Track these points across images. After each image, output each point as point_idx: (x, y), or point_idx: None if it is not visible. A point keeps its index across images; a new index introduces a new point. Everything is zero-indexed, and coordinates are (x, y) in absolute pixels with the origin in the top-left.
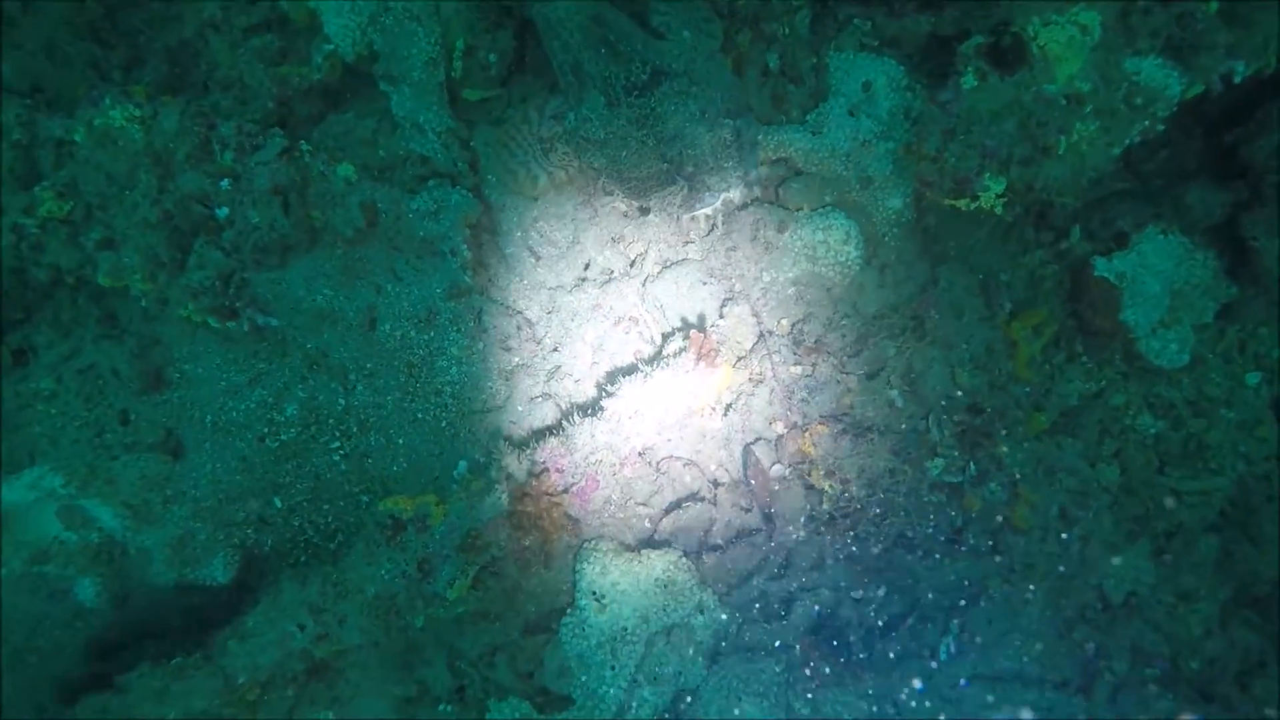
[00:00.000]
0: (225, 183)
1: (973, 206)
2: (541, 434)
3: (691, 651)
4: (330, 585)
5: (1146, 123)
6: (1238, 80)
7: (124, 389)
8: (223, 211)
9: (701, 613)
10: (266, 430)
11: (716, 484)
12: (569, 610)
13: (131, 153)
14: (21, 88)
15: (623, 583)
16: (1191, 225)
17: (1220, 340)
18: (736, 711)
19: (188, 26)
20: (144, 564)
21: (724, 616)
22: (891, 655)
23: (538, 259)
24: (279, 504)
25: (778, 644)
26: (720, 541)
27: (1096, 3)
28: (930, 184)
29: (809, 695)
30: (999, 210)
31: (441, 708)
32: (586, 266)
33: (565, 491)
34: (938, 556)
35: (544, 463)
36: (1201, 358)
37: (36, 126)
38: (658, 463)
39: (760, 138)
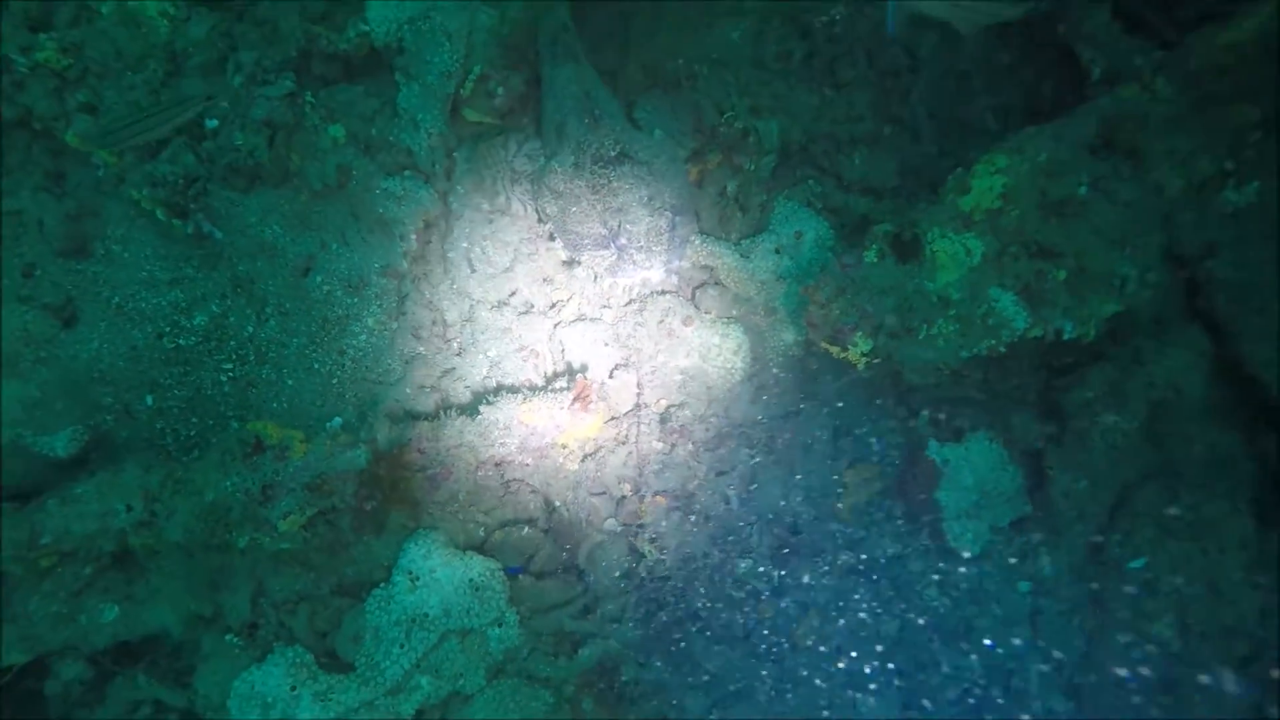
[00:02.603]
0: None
1: (842, 356)
2: (417, 417)
3: (478, 660)
4: (172, 480)
5: (993, 342)
6: (1065, 338)
7: (43, 244)
8: (212, 123)
9: (499, 626)
10: (168, 330)
11: (552, 517)
12: (382, 584)
13: (151, 43)
14: None
15: (440, 572)
16: (1012, 443)
17: (1008, 545)
18: None
19: None
20: None
21: (518, 638)
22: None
23: (473, 271)
24: (150, 402)
25: (557, 677)
26: (538, 570)
27: (984, 236)
28: (814, 325)
29: None
30: (861, 367)
31: (228, 638)
32: (512, 294)
33: (421, 472)
34: (720, 646)
35: (411, 440)
36: (990, 554)
37: None
38: (507, 482)
39: (696, 240)
